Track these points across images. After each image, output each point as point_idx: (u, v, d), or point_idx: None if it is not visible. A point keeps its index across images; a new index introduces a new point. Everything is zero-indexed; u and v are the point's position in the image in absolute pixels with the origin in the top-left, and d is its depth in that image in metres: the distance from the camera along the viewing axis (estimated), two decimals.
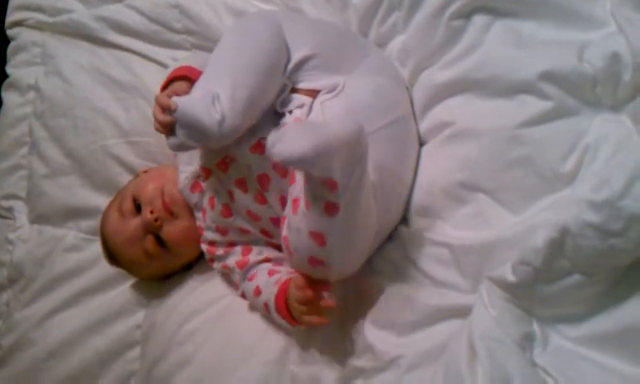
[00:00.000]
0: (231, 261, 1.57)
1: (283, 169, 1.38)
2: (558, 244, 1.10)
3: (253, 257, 1.56)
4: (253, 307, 1.57)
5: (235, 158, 1.44)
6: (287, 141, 1.11)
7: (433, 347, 1.28)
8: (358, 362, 1.39)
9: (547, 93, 1.26)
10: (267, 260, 1.56)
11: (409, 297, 1.35)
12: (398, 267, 1.40)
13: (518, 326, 1.16)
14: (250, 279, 1.53)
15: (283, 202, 1.41)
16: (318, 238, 1.22)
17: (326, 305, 1.33)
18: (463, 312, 1.25)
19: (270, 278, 1.49)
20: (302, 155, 1.09)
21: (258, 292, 1.49)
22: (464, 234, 1.31)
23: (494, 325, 1.15)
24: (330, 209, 1.18)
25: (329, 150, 1.10)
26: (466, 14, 1.37)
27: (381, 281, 1.43)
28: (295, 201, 1.26)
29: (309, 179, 1.17)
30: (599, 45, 1.23)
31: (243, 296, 1.57)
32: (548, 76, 1.26)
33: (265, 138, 1.25)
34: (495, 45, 1.35)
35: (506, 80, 1.31)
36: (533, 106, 1.28)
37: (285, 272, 1.49)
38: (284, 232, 1.30)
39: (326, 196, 1.17)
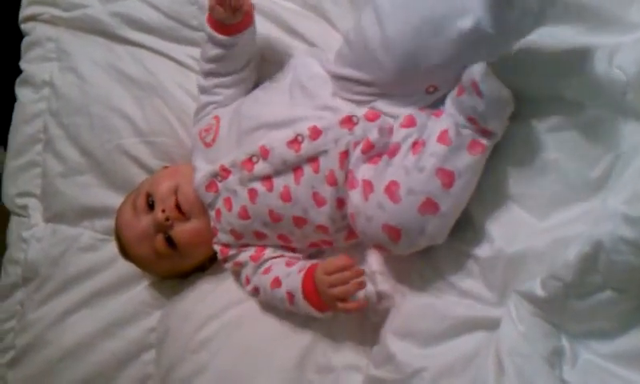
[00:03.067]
0: (244, 256, 1.55)
1: (316, 163, 1.38)
2: (591, 259, 1.08)
3: (268, 252, 1.54)
4: (266, 305, 1.55)
5: (269, 153, 1.42)
6: (496, 81, 1.20)
7: (457, 360, 1.25)
8: (377, 372, 1.37)
9: (576, 98, 1.23)
10: (282, 256, 1.54)
11: (433, 307, 1.32)
12: (423, 276, 1.37)
13: (546, 341, 1.14)
14: (265, 272, 1.51)
15: (316, 197, 1.40)
16: (448, 176, 1.24)
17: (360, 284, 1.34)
18: (489, 324, 1.24)
19: (291, 268, 1.48)
20: (507, 101, 1.22)
21: (277, 283, 1.47)
22: (491, 245, 1.28)
23: (522, 341, 1.13)
24: (475, 146, 1.24)
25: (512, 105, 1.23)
26: None
27: (404, 289, 1.40)
28: (417, 143, 1.29)
29: (467, 120, 1.24)
30: (632, 49, 1.19)
31: (255, 290, 1.54)
32: (577, 81, 1.23)
33: (301, 136, 1.37)
34: None
35: (534, 85, 1.28)
36: (562, 111, 1.25)
37: (304, 262, 1.48)
38: (384, 180, 1.29)
39: (475, 134, 1.24)
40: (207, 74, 1.61)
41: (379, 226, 1.29)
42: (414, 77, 1.28)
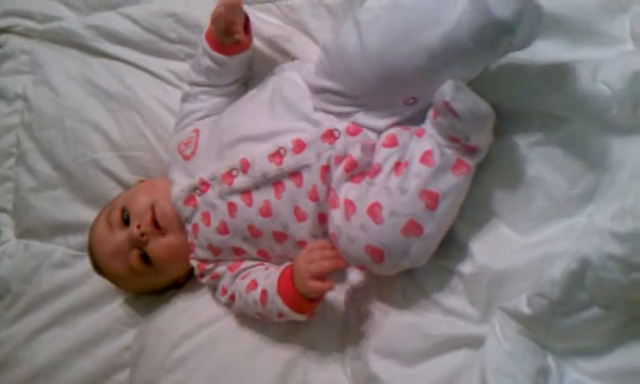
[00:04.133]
0: (222, 268, 1.53)
1: (299, 178, 1.36)
2: (578, 276, 1.06)
3: (246, 263, 1.52)
4: (244, 322, 1.53)
5: (250, 166, 1.40)
6: (470, 96, 1.17)
7: (440, 379, 1.23)
8: None
9: (560, 113, 1.22)
10: (261, 264, 1.51)
11: (416, 325, 1.30)
12: (405, 293, 1.35)
13: (532, 360, 1.12)
14: (243, 277, 1.49)
15: (297, 212, 1.39)
16: (432, 198, 1.22)
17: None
18: (473, 342, 1.22)
19: (268, 271, 1.46)
20: (485, 114, 1.19)
21: (253, 285, 1.45)
22: (475, 262, 1.26)
23: (507, 359, 1.12)
24: (460, 166, 1.22)
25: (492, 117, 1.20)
26: None
27: (385, 307, 1.38)
28: (399, 163, 1.27)
29: (452, 138, 1.21)
30: (616, 64, 1.18)
31: (231, 298, 1.51)
32: (561, 96, 1.21)
33: (284, 149, 1.36)
34: None
35: (518, 99, 1.27)
36: (546, 125, 1.24)
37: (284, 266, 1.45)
38: (366, 201, 1.27)
39: (459, 153, 1.22)
40: (194, 83, 1.60)
41: (362, 246, 1.27)
42: (392, 88, 1.27)
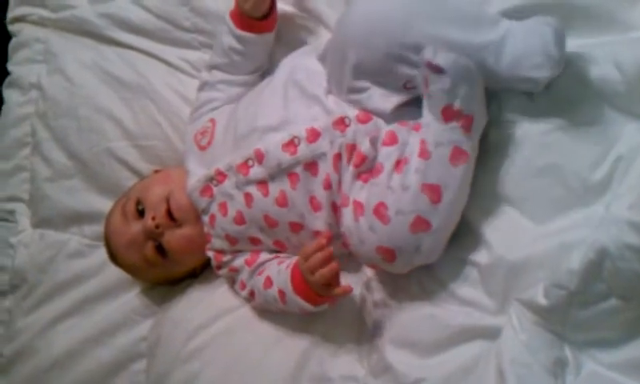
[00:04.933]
0: (239, 261, 1.52)
1: (315, 167, 1.36)
2: (596, 266, 1.05)
3: (263, 256, 1.51)
4: (260, 312, 1.53)
5: (264, 156, 1.39)
6: (450, 53, 1.16)
7: (457, 370, 1.22)
8: (375, 382, 1.33)
9: (573, 99, 1.21)
10: (277, 257, 1.50)
11: (432, 315, 1.29)
12: (421, 284, 1.34)
13: (549, 351, 1.11)
14: (260, 274, 1.48)
15: (312, 202, 1.38)
16: (434, 190, 1.21)
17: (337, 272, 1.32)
18: (489, 333, 1.21)
19: (281, 266, 1.45)
20: (469, 66, 1.17)
21: (269, 283, 1.44)
22: (491, 252, 1.25)
23: (523, 350, 1.11)
24: (457, 155, 1.20)
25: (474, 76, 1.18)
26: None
27: (401, 297, 1.37)
28: (400, 161, 1.26)
29: (443, 117, 1.19)
30: (630, 49, 1.17)
31: (251, 295, 1.51)
32: (575, 82, 1.21)
33: (298, 138, 1.35)
34: None
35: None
36: (561, 112, 1.22)
37: (293, 258, 1.44)
38: (372, 201, 1.27)
39: (455, 139, 1.20)
40: (214, 68, 1.60)
41: (373, 248, 1.27)
42: (391, 59, 1.25)
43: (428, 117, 1.22)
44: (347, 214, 1.32)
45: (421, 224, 1.22)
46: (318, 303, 1.37)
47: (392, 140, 1.30)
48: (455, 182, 1.21)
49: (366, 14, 1.26)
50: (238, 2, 1.51)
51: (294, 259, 1.41)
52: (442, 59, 1.15)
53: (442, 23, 1.21)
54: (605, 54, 1.18)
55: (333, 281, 1.32)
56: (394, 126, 1.32)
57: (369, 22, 1.25)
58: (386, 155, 1.29)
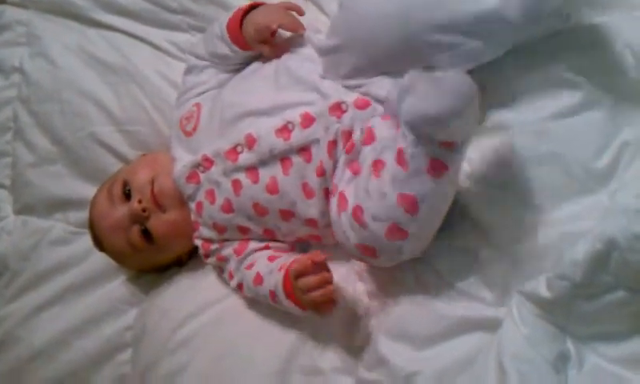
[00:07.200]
0: (228, 250, 1.50)
1: (308, 153, 1.32)
2: (603, 257, 1.03)
3: (252, 244, 1.48)
4: (248, 302, 1.50)
5: (256, 142, 1.36)
6: (419, 97, 1.05)
7: (453, 363, 1.20)
8: (369, 375, 1.30)
9: (577, 82, 1.18)
10: (267, 248, 1.48)
11: (428, 306, 1.26)
12: (417, 273, 1.31)
13: (551, 344, 1.09)
14: (248, 267, 1.45)
15: (305, 189, 1.35)
16: (410, 202, 1.14)
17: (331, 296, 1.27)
18: (489, 325, 1.18)
19: (272, 263, 1.42)
20: (438, 116, 1.03)
21: (259, 280, 1.41)
22: (490, 242, 1.22)
23: (525, 344, 1.09)
24: (436, 168, 1.11)
25: (461, 110, 1.03)
26: None
27: (396, 288, 1.34)
28: (378, 162, 1.19)
29: (421, 138, 1.09)
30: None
31: (240, 286, 1.48)
32: (580, 60, 1.18)
33: (292, 123, 1.31)
34: None
35: (535, 64, 1.22)
36: (562, 96, 1.20)
37: (286, 257, 1.42)
38: (352, 201, 1.23)
39: (437, 154, 1.10)
40: (202, 58, 1.57)
41: (353, 244, 1.24)
42: (405, 50, 1.21)
43: (405, 128, 1.12)
44: (333, 204, 1.29)
45: (397, 231, 1.18)
46: (307, 311, 1.33)
47: (370, 138, 1.26)
48: (433, 194, 1.14)
49: (373, 5, 1.23)
50: (247, 31, 1.45)
51: (288, 260, 1.37)
52: (405, 112, 1.08)
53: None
54: (612, 32, 1.16)
55: (326, 305, 1.28)
56: (375, 121, 1.27)
57: (376, 13, 1.22)
58: (365, 155, 1.25)
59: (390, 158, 1.16)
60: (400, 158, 1.13)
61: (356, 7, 1.27)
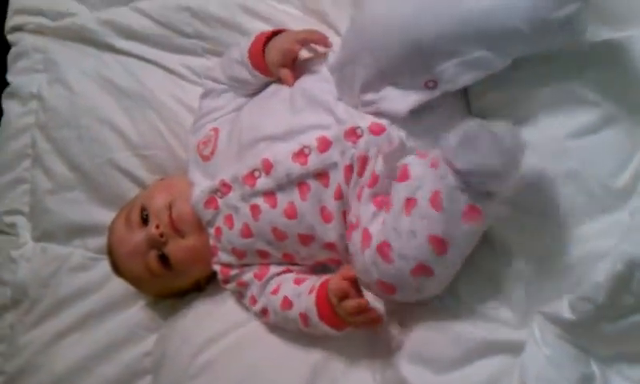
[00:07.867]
0: (248, 275, 1.49)
1: (326, 177, 1.32)
2: (625, 278, 1.01)
3: (273, 269, 1.47)
4: (269, 326, 1.49)
5: (273, 167, 1.35)
6: (481, 152, 1.06)
7: None
8: None
9: (595, 100, 1.17)
10: (288, 271, 1.47)
11: (450, 329, 1.25)
12: (440, 297, 1.29)
13: (574, 366, 1.08)
14: (274, 292, 1.44)
15: (323, 213, 1.34)
16: (440, 244, 1.14)
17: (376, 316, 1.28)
18: (511, 348, 1.17)
19: (299, 287, 1.41)
20: (502, 172, 1.06)
21: (287, 304, 1.40)
22: (511, 262, 1.21)
23: (548, 365, 1.08)
24: (472, 214, 1.11)
25: (519, 166, 1.07)
26: None
27: (418, 310, 1.32)
28: (410, 200, 1.17)
29: (470, 186, 1.09)
30: None
31: (264, 312, 1.47)
32: (598, 77, 1.17)
33: (308, 148, 1.31)
34: None
35: (552, 83, 1.21)
36: (580, 114, 1.18)
37: (312, 279, 1.41)
38: (378, 237, 1.22)
39: (476, 201, 1.10)
40: (220, 82, 1.57)
41: (374, 280, 1.23)
42: (416, 55, 1.19)
43: (445, 169, 1.12)
44: (356, 237, 1.28)
45: (423, 270, 1.17)
46: (343, 329, 1.34)
47: (404, 176, 1.23)
48: (465, 238, 1.15)
49: (381, 14, 1.21)
50: (270, 58, 1.45)
51: (317, 283, 1.37)
52: (463, 164, 1.08)
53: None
54: (631, 51, 1.14)
55: (374, 322, 1.30)
56: (410, 159, 1.25)
57: (383, 21, 1.21)
58: (397, 192, 1.23)
59: (423, 198, 1.15)
60: (435, 199, 1.12)
61: (365, 17, 1.26)
